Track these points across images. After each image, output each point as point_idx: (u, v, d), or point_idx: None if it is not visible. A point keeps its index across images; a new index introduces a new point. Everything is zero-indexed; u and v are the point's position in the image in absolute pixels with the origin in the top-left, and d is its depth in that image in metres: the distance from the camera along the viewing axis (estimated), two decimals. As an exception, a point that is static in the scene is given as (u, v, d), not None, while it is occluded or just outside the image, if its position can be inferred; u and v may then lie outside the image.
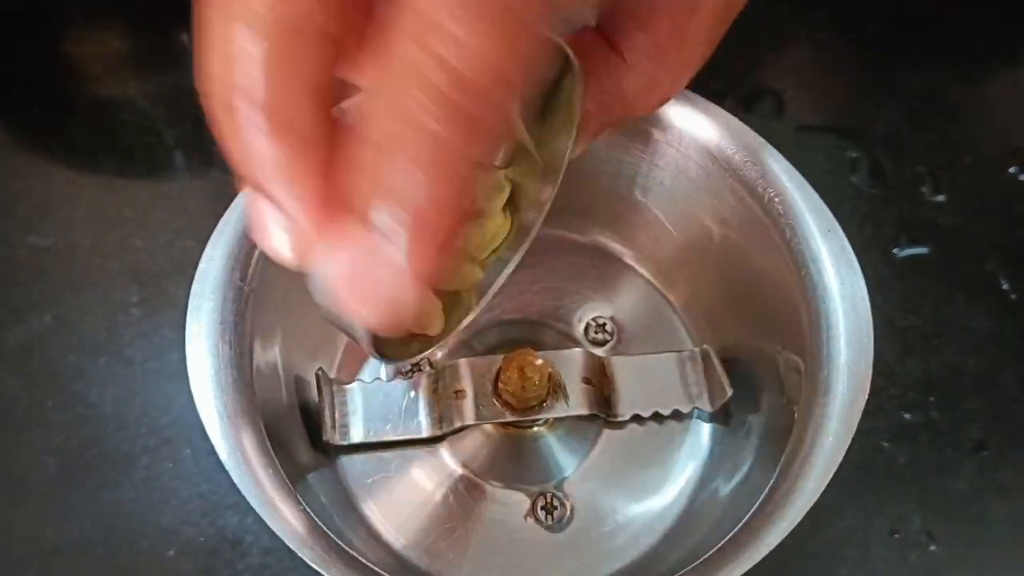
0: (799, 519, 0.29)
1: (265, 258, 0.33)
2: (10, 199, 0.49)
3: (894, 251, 0.49)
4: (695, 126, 0.36)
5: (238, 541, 0.41)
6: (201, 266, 0.32)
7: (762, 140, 0.34)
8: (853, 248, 0.34)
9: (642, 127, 0.37)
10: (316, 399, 0.39)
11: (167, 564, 0.41)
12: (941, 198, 0.51)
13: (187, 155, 0.49)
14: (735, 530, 0.30)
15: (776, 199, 0.34)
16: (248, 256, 0.33)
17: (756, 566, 0.30)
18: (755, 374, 0.39)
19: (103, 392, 0.44)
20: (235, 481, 0.29)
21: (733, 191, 0.36)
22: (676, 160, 0.37)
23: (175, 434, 0.43)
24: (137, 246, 0.47)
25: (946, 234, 0.50)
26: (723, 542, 0.30)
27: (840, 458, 0.30)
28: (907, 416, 0.45)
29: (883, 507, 0.43)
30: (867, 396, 0.31)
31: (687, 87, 0.31)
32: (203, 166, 0.49)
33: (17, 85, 0.51)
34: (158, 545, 0.41)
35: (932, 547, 0.42)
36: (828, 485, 0.30)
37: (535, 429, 0.41)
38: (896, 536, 0.42)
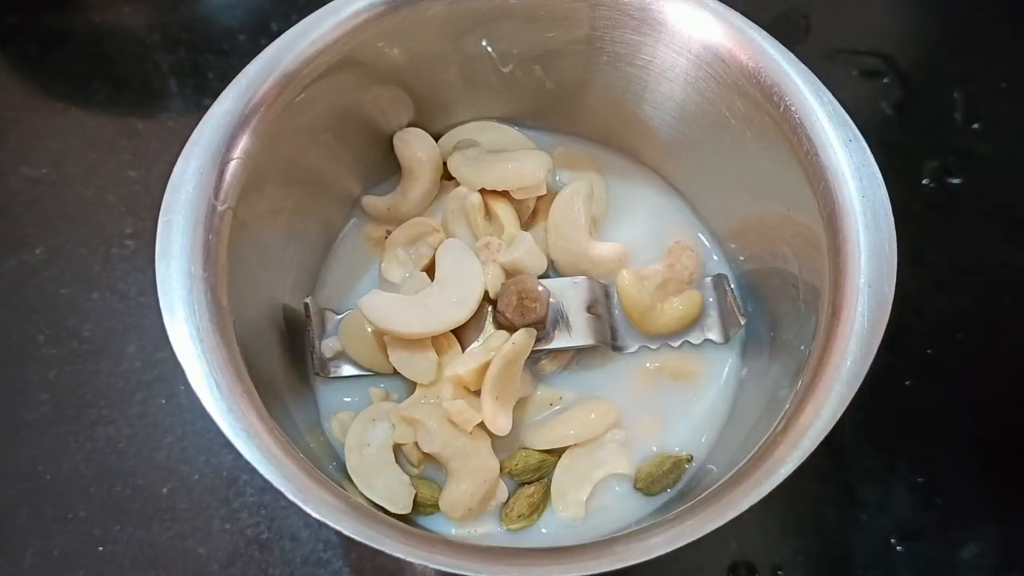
0: (813, 448, 0.27)
1: (243, 176, 0.31)
2: (1, 129, 0.47)
3: (924, 182, 0.47)
4: (704, 30, 0.33)
5: (233, 479, 0.41)
6: (172, 181, 0.30)
7: (776, 42, 0.32)
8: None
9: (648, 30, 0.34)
10: (303, 329, 0.37)
11: (162, 502, 0.40)
12: (976, 126, 0.48)
13: (182, 83, 0.48)
14: (745, 460, 0.28)
15: (792, 107, 0.31)
16: (223, 172, 0.31)
17: (774, 507, 0.28)
18: (771, 300, 0.37)
19: (97, 326, 0.43)
20: (207, 407, 0.27)
21: (746, 97, 0.33)
22: (686, 71, 0.35)
23: (169, 370, 0.42)
24: (131, 177, 0.46)
25: (980, 164, 0.47)
26: (733, 472, 0.28)
27: (859, 382, 0.28)
28: (933, 354, 0.43)
29: (904, 448, 0.41)
30: (888, 318, 0.28)
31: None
32: (198, 94, 0.48)
33: (9, 12, 0.50)
34: (153, 482, 0.41)
35: (955, 492, 0.41)
36: (847, 423, 0.28)
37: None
38: (919, 480, 0.41)
